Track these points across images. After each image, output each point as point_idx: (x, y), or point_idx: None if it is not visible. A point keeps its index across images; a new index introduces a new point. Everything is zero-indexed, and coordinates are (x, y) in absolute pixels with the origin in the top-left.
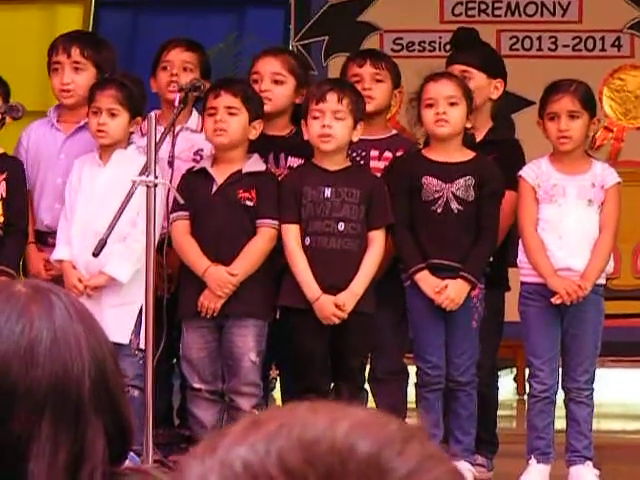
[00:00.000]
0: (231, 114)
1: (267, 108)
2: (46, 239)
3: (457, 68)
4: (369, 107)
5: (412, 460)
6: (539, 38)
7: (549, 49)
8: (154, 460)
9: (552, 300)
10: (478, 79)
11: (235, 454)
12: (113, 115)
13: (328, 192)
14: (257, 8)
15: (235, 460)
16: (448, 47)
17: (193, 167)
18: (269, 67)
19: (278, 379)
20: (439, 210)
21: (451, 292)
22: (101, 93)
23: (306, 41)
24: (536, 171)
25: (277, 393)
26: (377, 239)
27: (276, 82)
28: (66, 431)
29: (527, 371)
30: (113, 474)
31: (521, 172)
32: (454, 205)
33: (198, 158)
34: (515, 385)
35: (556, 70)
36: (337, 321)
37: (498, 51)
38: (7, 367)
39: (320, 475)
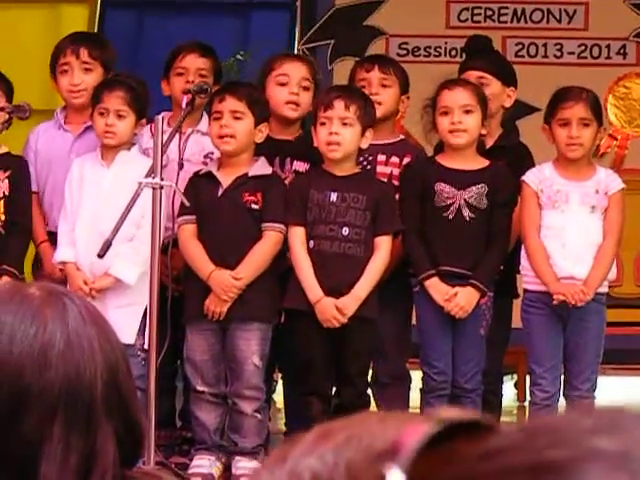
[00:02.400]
0: (236, 118)
1: (294, 114)
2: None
3: (473, 74)
4: (377, 112)
5: None
6: (545, 45)
7: (555, 56)
8: (156, 462)
9: (554, 297)
10: (494, 86)
11: (304, 465)
12: (121, 116)
13: (334, 196)
14: (262, 11)
15: (303, 471)
16: (454, 52)
17: (200, 170)
18: (298, 72)
19: (279, 381)
20: (451, 217)
21: (461, 300)
22: (109, 94)
23: (312, 45)
24: (539, 176)
25: (278, 396)
26: (383, 245)
27: (304, 88)
28: (78, 434)
29: (528, 378)
30: (124, 477)
31: (524, 177)
32: (466, 212)
33: (208, 161)
34: (516, 391)
35: (561, 77)
36: (337, 324)
37: None
38: (20, 369)
39: None
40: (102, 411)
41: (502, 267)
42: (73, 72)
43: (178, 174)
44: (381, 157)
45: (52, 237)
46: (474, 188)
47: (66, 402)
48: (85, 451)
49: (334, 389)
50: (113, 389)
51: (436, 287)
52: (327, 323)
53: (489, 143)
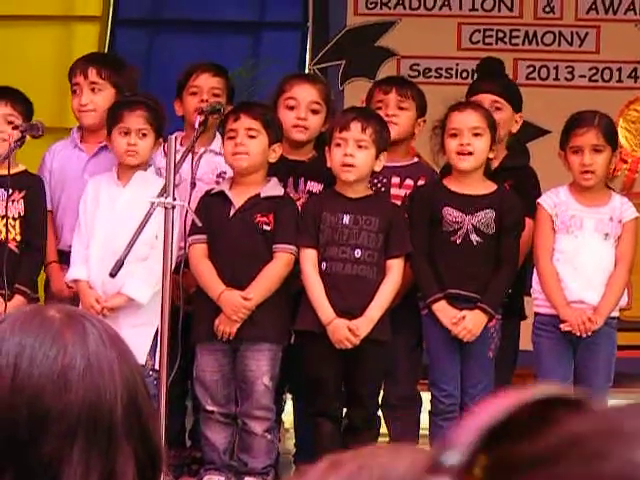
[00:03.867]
0: (251, 137)
1: (302, 137)
2: (69, 259)
3: (487, 98)
4: (392, 134)
5: None
6: (556, 67)
7: (566, 79)
8: None
9: (561, 327)
10: (506, 111)
11: None
12: (144, 135)
13: (346, 219)
14: (273, 31)
15: None
16: (465, 74)
17: (212, 189)
18: (307, 95)
19: (289, 401)
20: (458, 241)
21: (469, 323)
22: (130, 113)
23: (323, 65)
24: (555, 200)
25: (287, 416)
26: (395, 267)
27: (313, 111)
28: (97, 456)
29: None
30: None
31: (540, 200)
32: (474, 237)
33: (221, 180)
34: None
35: (572, 100)
36: (350, 345)
37: (515, 80)
38: (40, 391)
39: None
40: (122, 433)
41: (510, 289)
42: (82, 92)
43: (190, 194)
44: (395, 179)
45: (62, 256)
46: (482, 213)
47: (86, 424)
48: (105, 473)
49: (344, 410)
50: (133, 411)
51: (444, 311)
52: (339, 344)
53: (494, 165)
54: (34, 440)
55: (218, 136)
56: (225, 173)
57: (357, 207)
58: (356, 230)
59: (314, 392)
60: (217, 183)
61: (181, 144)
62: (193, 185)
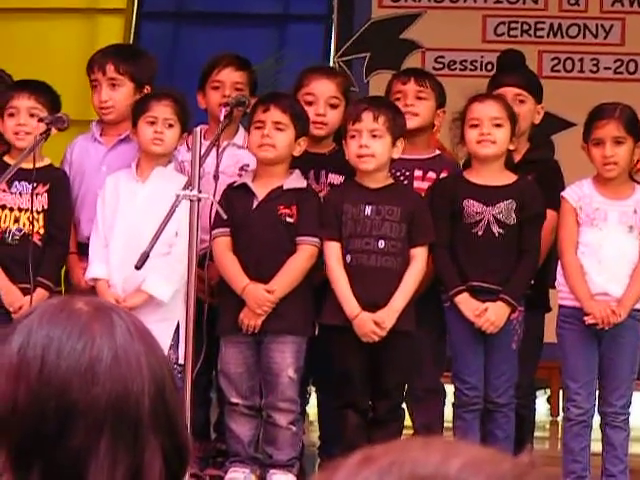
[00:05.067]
0: (278, 129)
1: (321, 132)
2: (87, 251)
3: (510, 91)
4: (411, 123)
5: None
6: (581, 60)
7: (591, 71)
8: (190, 474)
9: (585, 319)
10: (529, 103)
11: None
12: (170, 126)
13: (369, 210)
14: (298, 23)
15: None
16: (490, 66)
17: (234, 182)
18: (326, 90)
19: (313, 394)
20: (480, 233)
21: (491, 315)
22: (158, 103)
23: (347, 57)
24: (579, 193)
25: (311, 408)
26: (418, 257)
27: (331, 106)
28: (124, 449)
29: (561, 393)
30: None
31: (564, 193)
32: (495, 228)
33: (243, 173)
34: (548, 407)
35: (597, 92)
36: (376, 338)
37: (540, 72)
38: (68, 384)
39: None
40: (149, 427)
41: (534, 281)
42: (101, 88)
43: (215, 187)
44: (418, 172)
45: (81, 248)
46: (502, 204)
47: (113, 417)
48: (132, 466)
49: (369, 402)
50: (160, 405)
51: (466, 303)
52: (366, 338)
53: (517, 158)
54: (61, 433)
55: (241, 129)
56: (248, 166)
57: (378, 197)
58: (378, 221)
59: (341, 385)
60: (240, 176)
61: (204, 138)
62: (216, 178)
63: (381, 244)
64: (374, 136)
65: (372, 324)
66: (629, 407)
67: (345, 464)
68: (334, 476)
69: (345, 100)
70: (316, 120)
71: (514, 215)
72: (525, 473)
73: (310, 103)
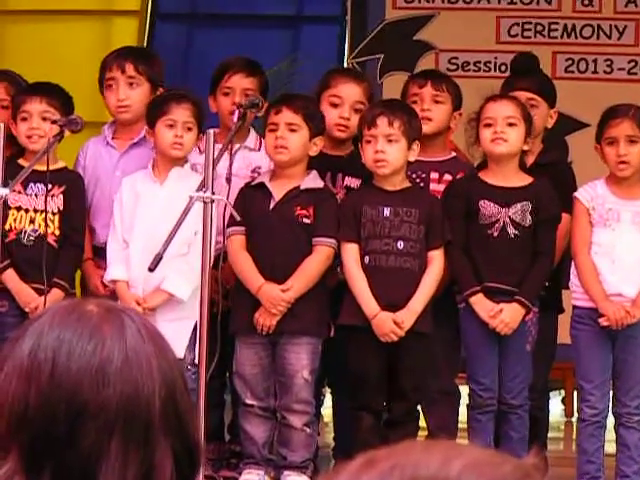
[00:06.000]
0: (292, 130)
1: (343, 135)
2: (104, 255)
3: (523, 95)
4: (428, 128)
5: None
6: (595, 61)
7: (604, 72)
8: (205, 475)
9: (600, 321)
10: (542, 108)
11: None
12: (189, 129)
13: (387, 211)
14: (312, 24)
15: None
16: (504, 68)
17: (251, 181)
18: (352, 94)
19: (328, 396)
20: (495, 234)
21: (506, 316)
22: (177, 106)
23: (361, 59)
24: (592, 193)
25: (325, 410)
26: (437, 258)
27: (356, 110)
28: (135, 451)
29: (576, 394)
30: None
31: (576, 193)
32: (510, 230)
33: (255, 175)
34: (563, 407)
35: (611, 93)
36: (395, 338)
37: (553, 73)
38: (78, 385)
39: None
40: (160, 428)
41: (548, 282)
42: (119, 87)
43: (229, 190)
44: (434, 175)
45: (98, 252)
46: (518, 205)
47: (124, 419)
48: (142, 468)
49: (385, 404)
50: (171, 406)
51: (481, 304)
52: (385, 338)
53: (530, 160)
54: (72, 435)
55: (252, 132)
56: (260, 168)
57: (396, 199)
58: (397, 222)
59: (356, 386)
60: (252, 178)
61: (216, 141)
62: (229, 181)
63: (400, 245)
64: (390, 141)
65: (392, 324)
66: None
67: (347, 468)
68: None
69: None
70: (340, 123)
71: (529, 217)
72: (526, 475)
73: (335, 105)
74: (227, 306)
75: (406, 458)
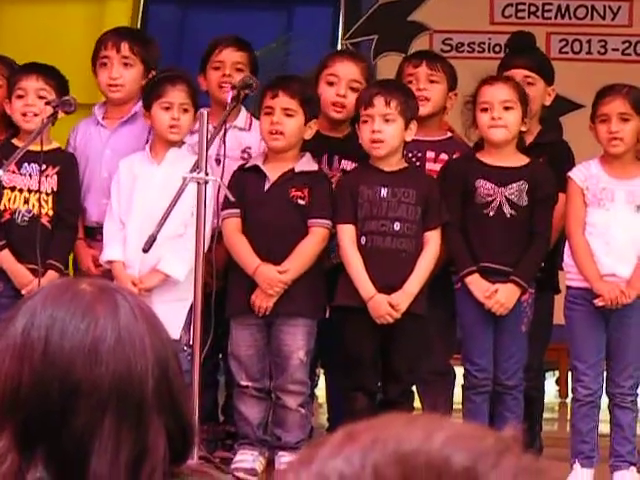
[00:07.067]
0: (288, 115)
1: (339, 116)
2: (95, 235)
3: (519, 73)
4: (424, 109)
5: (507, 473)
6: (589, 41)
7: (598, 52)
8: (199, 456)
9: (595, 302)
10: (539, 85)
11: (331, 467)
12: (185, 111)
13: (384, 192)
14: (306, 6)
15: (331, 473)
16: (498, 49)
17: (245, 163)
18: (349, 72)
19: (321, 376)
20: (491, 214)
21: (501, 296)
22: (172, 88)
23: (355, 40)
24: (585, 173)
25: (319, 391)
26: (433, 240)
27: (352, 89)
28: (128, 430)
29: (570, 374)
30: (173, 474)
31: (570, 173)
32: (507, 209)
33: (245, 156)
34: (557, 388)
35: (605, 74)
36: (391, 320)
37: (548, 54)
38: (71, 364)
39: None
40: (153, 407)
41: (543, 263)
42: (112, 66)
43: (223, 170)
44: (430, 154)
45: (88, 232)
46: (515, 185)
47: (117, 398)
48: (135, 447)
49: (379, 385)
50: (164, 385)
51: (477, 284)
52: (381, 320)
53: (528, 140)
54: (65, 414)
55: (243, 111)
56: (250, 149)
57: (394, 180)
58: (394, 203)
59: (351, 367)
60: (242, 159)
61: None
62: (218, 162)
63: (397, 226)
64: (387, 120)
65: (387, 306)
66: (637, 388)
67: (328, 441)
68: (317, 453)
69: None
70: (336, 101)
71: (526, 197)
72: (508, 448)
73: (331, 84)
74: (218, 286)
75: (388, 432)
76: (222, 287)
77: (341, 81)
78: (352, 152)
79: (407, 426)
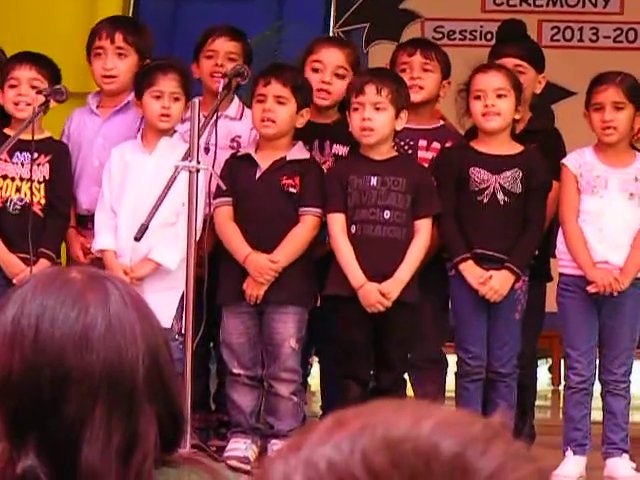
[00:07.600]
0: (280, 103)
1: (325, 102)
2: (86, 223)
3: (510, 62)
4: (417, 97)
5: (496, 459)
6: (580, 29)
7: (590, 40)
8: (192, 445)
9: (588, 289)
10: (530, 74)
11: (319, 454)
12: (176, 99)
13: (374, 181)
14: None
15: (319, 460)
16: (489, 36)
17: (236, 152)
18: (334, 59)
19: (315, 365)
20: (485, 201)
21: (495, 283)
22: (164, 77)
23: (347, 28)
24: (579, 160)
25: (312, 379)
26: (423, 228)
27: (337, 75)
28: (119, 417)
29: (562, 362)
30: (164, 462)
31: (564, 160)
32: (500, 196)
33: (235, 145)
34: (550, 376)
35: (597, 61)
36: (382, 309)
37: (539, 41)
38: (62, 352)
39: (405, 476)
40: (144, 395)
41: (537, 249)
42: (107, 56)
43: (214, 160)
44: (422, 142)
45: (79, 219)
46: (508, 173)
47: (108, 385)
48: (126, 434)
49: (372, 373)
50: (155, 373)
51: (471, 270)
52: (371, 308)
53: (519, 128)
54: (56, 401)
55: (235, 101)
56: (240, 137)
57: (384, 168)
58: (384, 191)
59: (343, 356)
60: (231, 148)
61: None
62: (207, 150)
63: (387, 214)
64: (377, 109)
65: (378, 294)
66: (630, 375)
67: (317, 428)
68: (306, 440)
69: (352, 72)
70: (321, 88)
71: (520, 184)
72: (497, 434)
73: (317, 70)
74: (202, 273)
75: (376, 418)
76: (205, 274)
77: (326, 68)
78: (343, 137)
79: (396, 412)
